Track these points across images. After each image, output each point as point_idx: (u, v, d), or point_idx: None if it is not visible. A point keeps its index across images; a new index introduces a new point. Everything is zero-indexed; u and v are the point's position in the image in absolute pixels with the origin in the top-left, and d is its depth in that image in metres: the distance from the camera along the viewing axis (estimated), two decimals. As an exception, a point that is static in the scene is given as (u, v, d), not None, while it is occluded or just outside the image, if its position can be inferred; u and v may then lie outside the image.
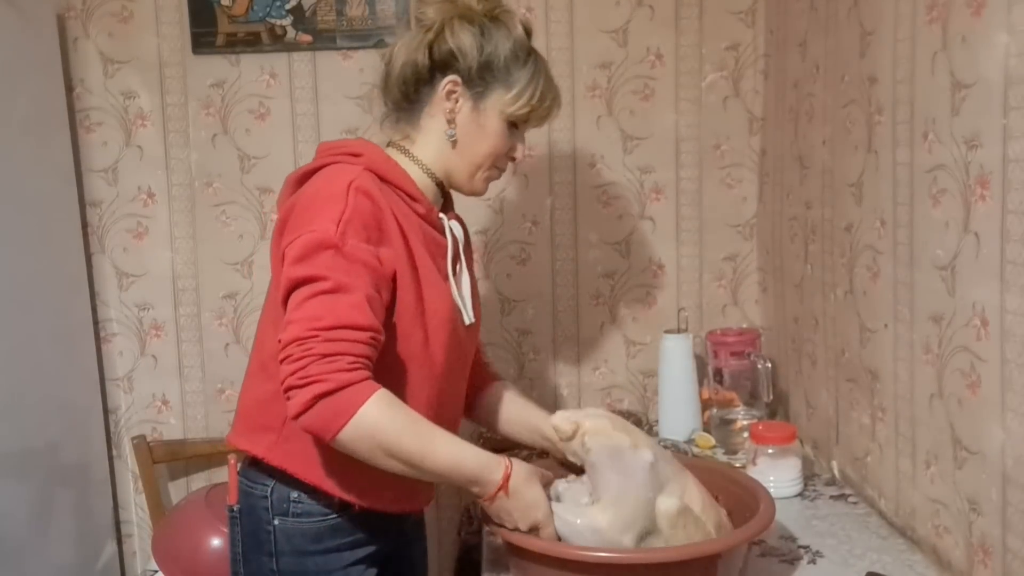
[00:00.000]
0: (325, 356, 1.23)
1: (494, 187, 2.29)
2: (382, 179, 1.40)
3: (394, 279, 1.35)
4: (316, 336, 1.23)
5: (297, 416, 1.24)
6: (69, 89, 2.29)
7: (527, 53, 1.47)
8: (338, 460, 1.33)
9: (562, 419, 1.38)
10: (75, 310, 2.28)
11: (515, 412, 1.63)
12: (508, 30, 1.46)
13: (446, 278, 1.45)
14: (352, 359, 1.24)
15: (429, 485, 1.50)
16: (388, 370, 1.32)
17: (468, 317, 1.48)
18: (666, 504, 1.29)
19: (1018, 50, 1.17)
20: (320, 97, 2.32)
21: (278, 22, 2.29)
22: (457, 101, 1.45)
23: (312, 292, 1.27)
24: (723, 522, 1.37)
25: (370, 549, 1.45)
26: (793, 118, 2.04)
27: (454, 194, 1.56)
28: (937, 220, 1.39)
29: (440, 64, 1.44)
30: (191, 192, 2.35)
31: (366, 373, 1.26)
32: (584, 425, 1.36)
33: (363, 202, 1.33)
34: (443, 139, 1.46)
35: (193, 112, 2.33)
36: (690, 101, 2.31)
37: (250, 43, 2.29)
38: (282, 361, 1.25)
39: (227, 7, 2.28)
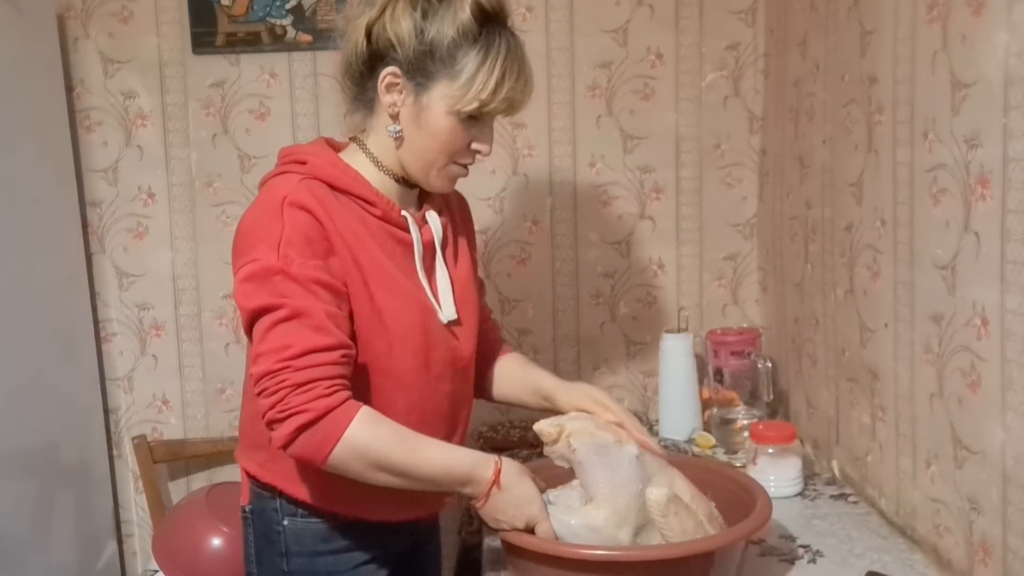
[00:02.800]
0: (300, 385, 1.21)
1: (494, 187, 2.31)
2: (331, 186, 1.34)
3: (347, 291, 1.31)
4: (287, 367, 1.22)
5: (283, 448, 1.24)
6: (69, 89, 2.29)
7: (474, 37, 1.30)
8: (325, 478, 1.33)
9: (545, 423, 1.39)
10: (75, 310, 2.28)
11: (518, 374, 1.59)
12: (455, 11, 1.30)
13: (413, 277, 1.39)
14: (328, 383, 1.23)
15: (432, 493, 1.47)
16: (352, 383, 1.28)
17: (444, 315, 1.41)
18: (655, 493, 1.31)
19: (1018, 49, 1.17)
20: (320, 96, 2.32)
21: (278, 22, 2.29)
22: (400, 93, 1.33)
23: (273, 321, 1.24)
24: (713, 513, 1.38)
25: (381, 549, 1.45)
26: (793, 117, 2.04)
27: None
28: (937, 219, 1.39)
29: (380, 53, 1.33)
30: (191, 192, 2.35)
31: (345, 393, 1.25)
32: (568, 427, 1.38)
33: (299, 217, 1.28)
34: (390, 136, 1.37)
35: (193, 112, 2.33)
36: (690, 100, 2.31)
37: (250, 43, 2.29)
38: (258, 394, 1.24)
39: (227, 7, 2.28)
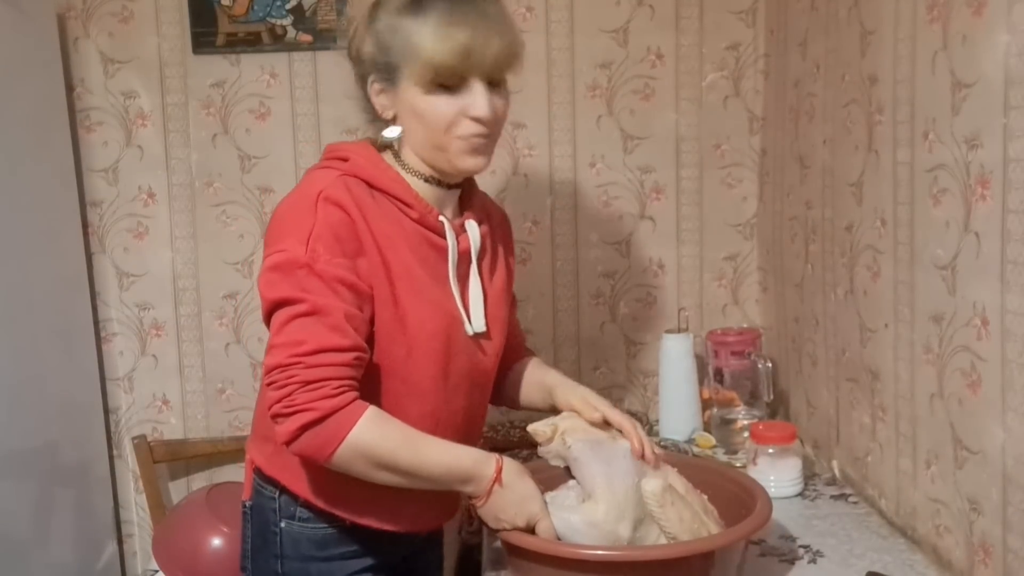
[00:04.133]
0: (309, 383, 1.22)
1: (494, 187, 2.31)
2: (370, 184, 1.34)
3: (372, 292, 1.31)
4: (299, 363, 1.22)
5: (286, 444, 1.25)
6: (69, 89, 2.29)
7: (414, 11, 1.30)
8: (329, 477, 1.33)
9: (538, 424, 1.41)
10: (75, 310, 2.28)
11: (534, 375, 1.58)
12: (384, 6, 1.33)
13: (444, 284, 1.38)
14: (337, 383, 1.23)
15: (434, 506, 1.46)
16: (365, 385, 1.29)
17: (471, 326, 1.40)
18: (651, 484, 1.32)
19: (1018, 49, 1.17)
20: (320, 97, 2.32)
21: (278, 22, 2.29)
22: (386, 95, 1.36)
23: (290, 315, 1.25)
24: (707, 507, 1.39)
25: (377, 559, 1.44)
26: (793, 118, 2.04)
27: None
28: (938, 220, 1.39)
29: (364, 72, 1.38)
30: (191, 192, 2.35)
31: (352, 395, 1.25)
32: (561, 425, 1.40)
33: (333, 213, 1.28)
34: (396, 140, 1.38)
35: (193, 112, 2.33)
36: (690, 101, 2.31)
37: (250, 43, 2.29)
38: (267, 385, 1.25)
39: (227, 7, 2.28)
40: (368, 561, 1.43)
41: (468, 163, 1.36)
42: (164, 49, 2.31)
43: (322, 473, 1.34)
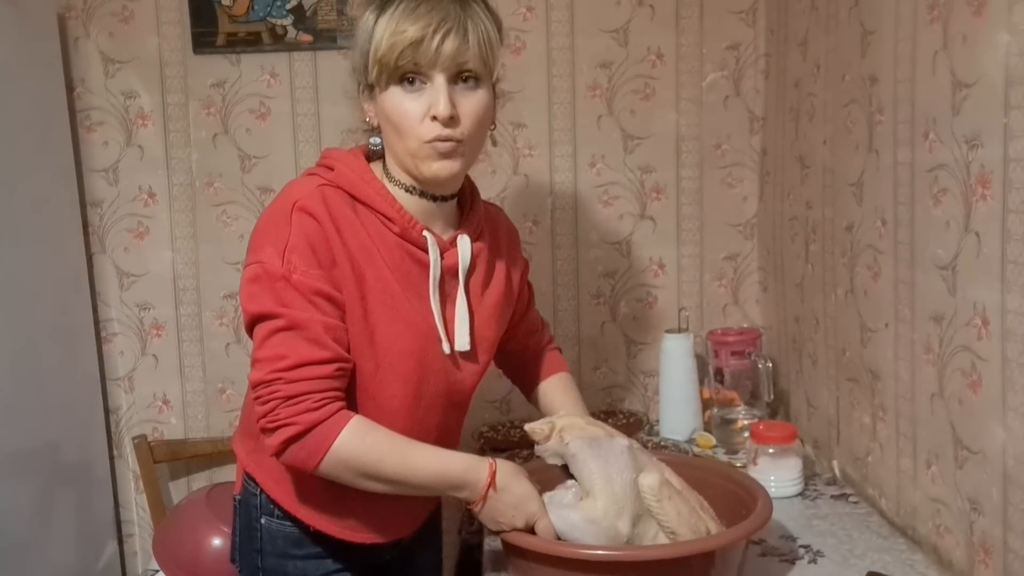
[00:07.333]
0: (290, 398, 1.23)
1: (495, 187, 2.31)
2: (352, 196, 1.32)
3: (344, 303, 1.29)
4: (280, 378, 1.23)
5: (274, 456, 1.26)
6: (70, 89, 2.29)
7: (378, 12, 1.29)
8: (300, 486, 1.34)
9: (536, 423, 1.41)
10: (76, 310, 2.28)
11: (554, 401, 1.59)
12: (362, 9, 1.32)
13: (424, 301, 1.35)
14: (319, 396, 1.23)
15: (408, 514, 1.46)
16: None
17: (455, 344, 1.37)
18: (648, 479, 1.32)
19: (1019, 49, 1.17)
20: (321, 97, 2.32)
21: (279, 22, 2.29)
22: (370, 100, 1.34)
23: (271, 330, 1.25)
24: (704, 504, 1.39)
25: (354, 560, 1.44)
26: (794, 117, 2.04)
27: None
28: (938, 219, 1.39)
29: (355, 79, 1.37)
30: (192, 192, 2.35)
31: (336, 406, 1.25)
32: (558, 423, 1.40)
33: (307, 223, 1.26)
34: (378, 149, 1.38)
35: (194, 112, 2.33)
36: (691, 100, 2.31)
37: (251, 43, 2.29)
38: (254, 400, 1.26)
39: (228, 7, 2.28)
40: (345, 562, 1.43)
41: (433, 168, 1.30)
42: (164, 49, 2.31)
43: (288, 476, 1.36)
